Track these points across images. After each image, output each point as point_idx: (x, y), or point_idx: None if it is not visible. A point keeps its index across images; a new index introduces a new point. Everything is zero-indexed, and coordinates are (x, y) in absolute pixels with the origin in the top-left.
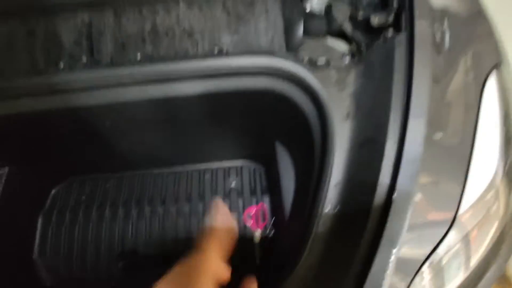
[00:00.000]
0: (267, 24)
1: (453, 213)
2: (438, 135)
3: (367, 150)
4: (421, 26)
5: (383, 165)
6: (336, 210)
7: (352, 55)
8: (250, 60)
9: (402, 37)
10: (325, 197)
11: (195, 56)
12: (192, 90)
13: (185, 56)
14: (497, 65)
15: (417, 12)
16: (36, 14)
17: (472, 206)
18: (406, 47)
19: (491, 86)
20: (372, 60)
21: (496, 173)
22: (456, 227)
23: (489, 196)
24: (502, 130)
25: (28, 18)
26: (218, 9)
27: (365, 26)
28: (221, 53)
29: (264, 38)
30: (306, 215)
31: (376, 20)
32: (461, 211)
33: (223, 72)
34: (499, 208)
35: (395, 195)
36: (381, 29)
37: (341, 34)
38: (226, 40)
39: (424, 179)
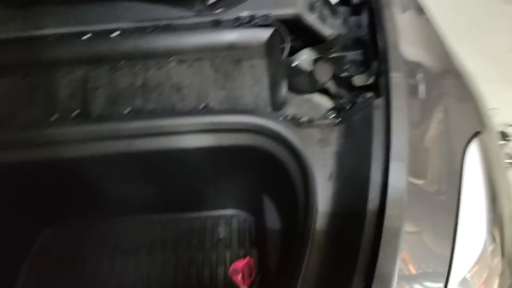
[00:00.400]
0: (253, 81)
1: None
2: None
3: (349, 213)
4: (398, 89)
5: (364, 235)
6: (319, 271)
7: (337, 111)
8: (233, 118)
9: (380, 101)
10: (308, 262)
11: (182, 111)
12: (179, 145)
13: (172, 111)
14: (478, 133)
15: (393, 76)
16: (36, 69)
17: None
18: (384, 110)
19: (473, 155)
20: (353, 120)
21: (484, 249)
22: None
23: (477, 269)
24: (488, 206)
25: (27, 72)
26: (206, 66)
27: (348, 84)
28: (206, 109)
29: (250, 95)
30: (290, 276)
31: (358, 80)
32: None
33: (207, 128)
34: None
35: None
36: (363, 87)
37: (325, 91)
38: (213, 96)
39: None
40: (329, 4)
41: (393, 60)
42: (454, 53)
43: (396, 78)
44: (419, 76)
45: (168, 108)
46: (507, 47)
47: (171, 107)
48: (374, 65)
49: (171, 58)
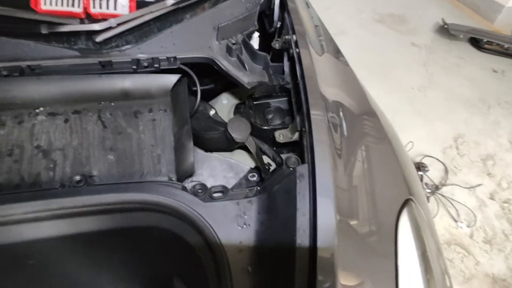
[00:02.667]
0: (153, 141)
1: None
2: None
3: None
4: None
5: None
6: None
7: (258, 174)
8: (120, 197)
9: (305, 169)
10: None
11: (49, 183)
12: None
13: (33, 184)
14: (407, 201)
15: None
16: None
17: None
18: (309, 180)
19: (404, 225)
20: (276, 191)
21: None
22: None
23: None
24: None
25: None
26: (90, 121)
27: (271, 140)
28: (84, 183)
29: (148, 159)
30: None
31: (281, 137)
32: None
33: (83, 211)
34: None
35: None
36: (287, 144)
37: (245, 148)
38: (96, 162)
39: None
40: (249, 49)
41: (314, 103)
42: (369, 94)
43: (317, 117)
44: (340, 115)
45: (27, 181)
46: (418, 84)
47: (32, 180)
48: (298, 119)
49: (39, 110)
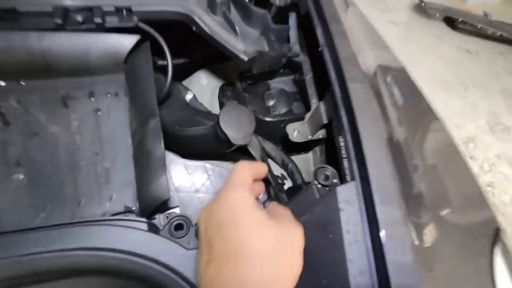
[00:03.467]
0: (97, 148)
1: None
2: None
3: None
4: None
5: None
6: None
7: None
8: (27, 265)
9: (350, 190)
10: None
11: None
12: None
13: None
14: (498, 232)
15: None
16: None
17: None
18: (363, 208)
19: (501, 269)
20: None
21: None
22: None
23: None
24: None
25: None
26: None
27: (277, 141)
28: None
29: (88, 179)
30: None
31: (296, 134)
32: None
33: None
34: None
35: None
36: (305, 144)
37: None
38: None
39: None
40: (241, 4)
41: (353, 77)
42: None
43: (365, 103)
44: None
45: None
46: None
47: None
48: (323, 106)
49: None
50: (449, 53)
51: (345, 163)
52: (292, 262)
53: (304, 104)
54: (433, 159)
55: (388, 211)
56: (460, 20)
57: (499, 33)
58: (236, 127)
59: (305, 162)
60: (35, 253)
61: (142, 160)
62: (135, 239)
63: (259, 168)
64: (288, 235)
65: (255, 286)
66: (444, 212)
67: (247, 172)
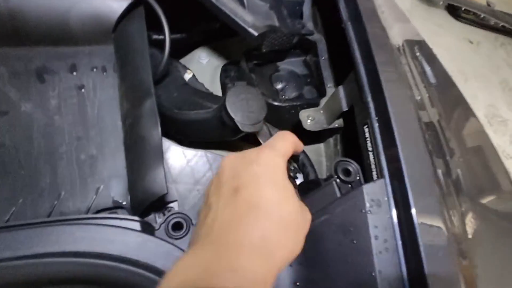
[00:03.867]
0: (81, 131)
1: None
2: None
3: None
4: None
5: None
6: None
7: None
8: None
9: (379, 188)
10: None
11: None
12: None
13: None
14: None
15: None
16: None
17: None
18: (394, 211)
19: None
20: (319, 227)
21: None
22: None
23: None
24: None
25: None
26: None
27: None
28: None
29: (70, 168)
30: None
31: (309, 122)
32: None
33: None
34: None
35: None
36: (325, 133)
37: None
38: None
39: None
40: None
41: (384, 60)
42: None
43: (396, 89)
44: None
45: None
46: None
47: None
48: (342, 91)
49: None
50: (450, 43)
51: (371, 157)
52: (301, 241)
53: (317, 89)
54: (467, 144)
55: (427, 216)
56: (463, 9)
57: (501, 24)
58: (245, 112)
59: (316, 153)
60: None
61: (134, 147)
62: (126, 242)
63: (299, 145)
64: (306, 217)
65: (269, 243)
66: (486, 202)
67: (291, 144)
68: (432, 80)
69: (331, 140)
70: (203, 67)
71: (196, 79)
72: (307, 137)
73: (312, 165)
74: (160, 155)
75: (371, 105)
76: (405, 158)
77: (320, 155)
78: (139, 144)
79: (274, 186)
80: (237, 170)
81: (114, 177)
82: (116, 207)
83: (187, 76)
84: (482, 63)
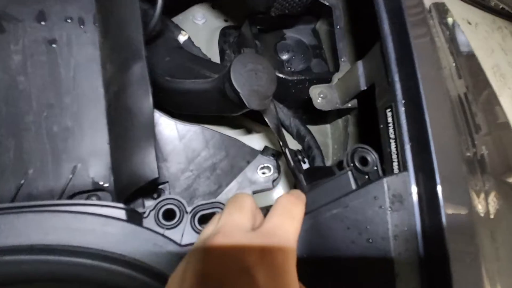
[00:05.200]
0: (53, 98)
1: None
2: None
3: None
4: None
5: None
6: None
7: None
8: None
9: (402, 182)
10: None
11: None
12: None
13: None
14: None
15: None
16: None
17: None
18: (421, 210)
19: None
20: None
21: None
22: None
23: None
24: None
25: None
26: None
27: (292, 106)
28: None
29: (40, 141)
30: None
31: (320, 99)
32: None
33: None
34: None
35: None
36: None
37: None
38: None
39: None
40: None
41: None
42: None
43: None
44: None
45: None
46: None
47: None
48: (362, 66)
49: None
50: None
51: (392, 146)
52: None
53: (326, 63)
54: (493, 119)
55: (457, 219)
56: None
57: (500, 6)
58: (253, 85)
59: (322, 134)
60: None
61: (119, 120)
62: (108, 233)
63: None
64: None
65: None
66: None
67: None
68: (460, 48)
69: (339, 121)
70: (198, 29)
71: (192, 43)
72: (314, 116)
73: (318, 148)
74: (151, 131)
75: (398, 85)
76: (437, 151)
77: (326, 137)
78: (126, 117)
79: None
80: None
81: (94, 154)
82: (96, 189)
83: (182, 38)
84: (479, 46)
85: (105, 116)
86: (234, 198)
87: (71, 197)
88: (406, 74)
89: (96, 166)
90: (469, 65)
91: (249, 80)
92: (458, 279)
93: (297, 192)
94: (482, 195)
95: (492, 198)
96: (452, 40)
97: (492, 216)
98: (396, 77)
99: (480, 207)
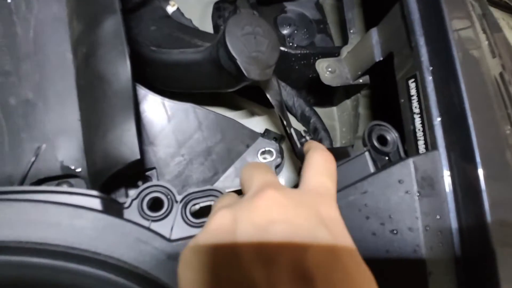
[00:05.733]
0: (11, 68)
1: None
2: None
3: None
4: None
5: None
6: None
7: (281, 155)
8: None
9: (433, 165)
10: None
11: None
12: None
13: None
14: None
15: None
16: None
17: None
18: (457, 197)
19: None
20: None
21: None
22: None
23: None
24: None
25: None
26: None
27: (294, 84)
28: None
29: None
30: None
31: (328, 73)
32: None
33: None
34: None
35: None
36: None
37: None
38: None
39: None
40: None
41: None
42: None
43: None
44: None
45: None
46: None
47: None
48: (376, 35)
49: None
50: None
51: (417, 122)
52: None
53: (331, 38)
54: None
55: (500, 203)
56: None
57: None
58: (252, 51)
59: (329, 117)
60: None
61: (90, 90)
62: (79, 227)
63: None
64: None
65: None
66: None
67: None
68: (492, 27)
69: (348, 102)
70: (190, 3)
71: (182, 14)
72: (319, 97)
73: (326, 130)
74: (129, 103)
75: (424, 50)
76: (476, 126)
77: (332, 119)
78: (97, 86)
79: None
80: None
81: (63, 132)
82: (66, 175)
83: (170, 9)
84: None
85: (75, 85)
86: (252, 165)
87: (35, 184)
88: (434, 36)
89: (66, 147)
90: (502, 44)
91: (247, 45)
92: (507, 280)
93: (324, 147)
94: None
95: None
96: (484, 16)
97: None
98: (422, 41)
99: None
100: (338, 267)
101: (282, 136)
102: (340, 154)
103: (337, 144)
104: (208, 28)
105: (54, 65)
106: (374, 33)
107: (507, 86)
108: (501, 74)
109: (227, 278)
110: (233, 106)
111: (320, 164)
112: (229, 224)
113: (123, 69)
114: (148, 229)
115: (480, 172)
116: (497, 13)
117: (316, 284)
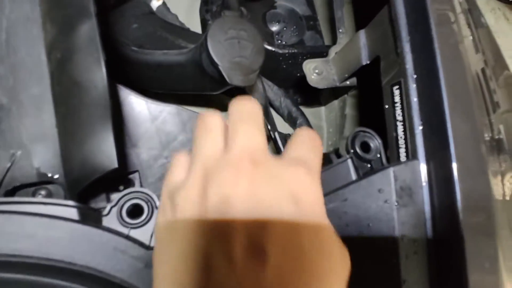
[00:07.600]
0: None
1: None
2: None
3: None
4: None
5: None
6: None
7: None
8: None
9: (413, 173)
10: None
11: None
12: None
13: None
14: None
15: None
16: None
17: None
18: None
19: None
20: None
21: None
22: None
23: None
24: None
25: None
26: None
27: (282, 84)
28: None
29: None
30: None
31: (315, 75)
32: None
33: None
34: None
35: None
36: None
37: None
38: None
39: None
40: None
41: None
42: None
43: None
44: None
45: None
46: None
47: None
48: (364, 37)
49: None
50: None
51: (399, 129)
52: None
53: (321, 36)
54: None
55: (476, 214)
56: None
57: None
58: (235, 56)
59: (316, 116)
60: None
61: (66, 95)
62: (55, 238)
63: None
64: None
65: None
66: None
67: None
68: (476, 21)
69: (335, 102)
70: None
71: (168, 9)
72: (307, 96)
73: (306, 120)
74: (106, 110)
75: (409, 57)
76: (455, 136)
77: (320, 119)
78: (74, 93)
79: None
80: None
81: (39, 139)
82: (43, 182)
83: (155, 3)
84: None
85: (50, 90)
86: (243, 112)
87: (11, 192)
88: (419, 44)
89: (42, 154)
90: (486, 39)
91: (230, 50)
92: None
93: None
94: (499, 183)
95: (508, 179)
96: (468, 10)
97: None
98: (407, 47)
99: (501, 205)
100: (295, 244)
101: (268, 138)
102: (322, 160)
103: (324, 144)
104: (196, 22)
105: (28, 69)
106: (362, 35)
107: (488, 81)
108: (483, 70)
109: (191, 254)
110: (219, 106)
111: (305, 140)
112: (197, 195)
113: (99, 77)
114: (127, 237)
115: (456, 182)
116: (493, 3)
117: (269, 260)
